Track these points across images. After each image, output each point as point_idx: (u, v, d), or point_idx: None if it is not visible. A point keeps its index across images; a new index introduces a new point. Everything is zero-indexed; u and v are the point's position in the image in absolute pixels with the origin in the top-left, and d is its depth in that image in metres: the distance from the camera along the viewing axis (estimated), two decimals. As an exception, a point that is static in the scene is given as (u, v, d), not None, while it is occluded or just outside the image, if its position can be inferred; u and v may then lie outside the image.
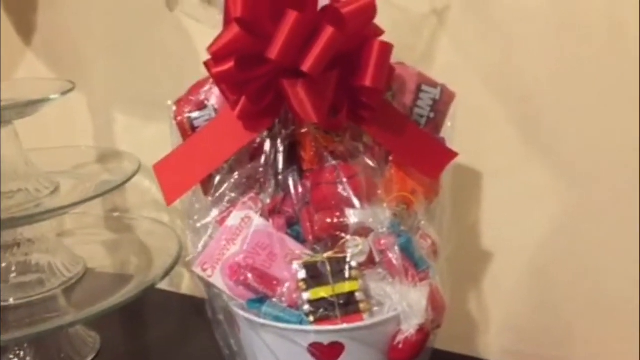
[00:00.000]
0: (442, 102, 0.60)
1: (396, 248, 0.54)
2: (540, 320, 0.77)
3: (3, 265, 0.75)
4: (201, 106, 0.56)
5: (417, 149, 0.56)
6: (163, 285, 0.89)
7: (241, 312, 0.54)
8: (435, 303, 0.54)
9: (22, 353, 0.74)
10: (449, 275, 0.60)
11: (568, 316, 0.75)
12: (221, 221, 0.55)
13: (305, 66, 0.46)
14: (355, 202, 0.53)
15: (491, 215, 0.75)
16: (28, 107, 0.70)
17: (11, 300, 0.73)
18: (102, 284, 0.79)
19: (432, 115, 0.59)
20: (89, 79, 0.95)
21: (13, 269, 0.76)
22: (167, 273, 0.73)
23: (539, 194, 0.72)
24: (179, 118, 0.56)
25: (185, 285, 0.94)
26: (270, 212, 0.54)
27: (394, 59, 0.60)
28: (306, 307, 0.52)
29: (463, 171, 0.73)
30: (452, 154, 0.58)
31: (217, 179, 0.55)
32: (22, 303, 0.73)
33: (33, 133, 0.76)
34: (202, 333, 0.57)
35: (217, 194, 0.56)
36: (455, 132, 0.59)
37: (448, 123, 0.60)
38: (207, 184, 0.56)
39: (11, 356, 0.74)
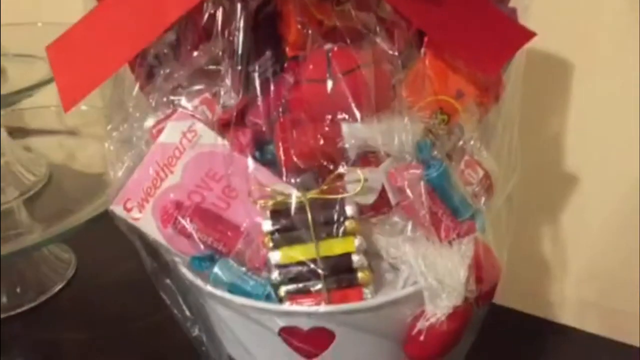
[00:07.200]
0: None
1: (423, 185, 0.34)
2: (635, 268, 0.58)
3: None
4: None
5: (467, 26, 0.35)
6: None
7: (184, 271, 0.36)
8: (481, 271, 0.35)
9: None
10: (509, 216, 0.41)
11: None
12: (157, 134, 0.36)
13: None
14: (355, 110, 0.32)
15: (579, 126, 0.56)
16: None
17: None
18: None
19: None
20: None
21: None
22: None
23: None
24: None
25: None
26: (226, 124, 0.35)
27: None
28: (275, 274, 0.33)
29: (539, 64, 0.52)
30: (527, 34, 0.36)
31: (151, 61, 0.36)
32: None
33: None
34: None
35: (156, 91, 0.37)
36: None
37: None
38: (142, 74, 0.37)
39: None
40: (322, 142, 0.33)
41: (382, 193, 0.35)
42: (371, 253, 0.35)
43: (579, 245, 0.59)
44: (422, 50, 0.37)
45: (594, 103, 0.54)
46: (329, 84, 0.33)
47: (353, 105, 0.33)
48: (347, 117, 0.33)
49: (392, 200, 0.35)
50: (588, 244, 0.59)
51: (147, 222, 0.36)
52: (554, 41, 0.52)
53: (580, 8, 0.51)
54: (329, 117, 0.33)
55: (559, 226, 0.59)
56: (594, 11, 0.51)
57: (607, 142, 0.55)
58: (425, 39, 0.37)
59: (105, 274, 0.67)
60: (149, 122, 0.37)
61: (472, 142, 0.38)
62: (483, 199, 0.38)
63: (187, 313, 0.41)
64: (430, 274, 0.33)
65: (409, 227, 0.35)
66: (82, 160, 0.74)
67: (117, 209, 0.36)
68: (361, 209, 0.34)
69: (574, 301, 0.61)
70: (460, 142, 0.38)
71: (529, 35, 0.37)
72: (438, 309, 0.33)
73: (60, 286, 0.64)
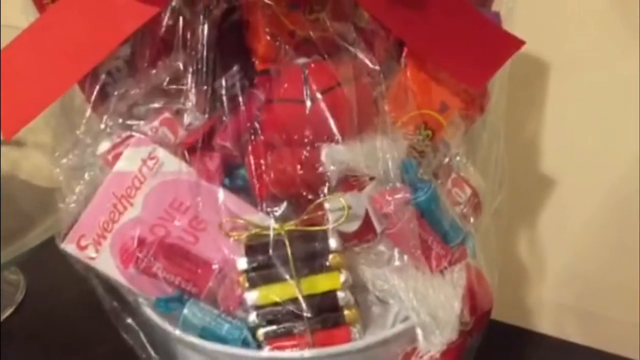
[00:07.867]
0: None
1: (411, 210, 0.31)
2: (614, 272, 0.57)
3: None
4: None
5: (451, 35, 0.32)
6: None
7: (149, 312, 0.33)
8: (475, 300, 0.32)
9: None
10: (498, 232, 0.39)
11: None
12: (113, 160, 0.32)
13: None
14: (336, 132, 0.29)
15: (556, 130, 0.54)
16: None
17: None
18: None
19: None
20: None
21: None
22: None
23: (633, 97, 0.50)
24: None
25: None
26: (191, 148, 0.32)
27: None
28: (253, 316, 0.30)
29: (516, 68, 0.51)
30: (515, 43, 0.33)
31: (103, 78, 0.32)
32: None
33: None
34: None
35: (111, 113, 0.33)
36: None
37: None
38: (94, 94, 0.33)
39: None
40: (300, 169, 0.30)
41: (366, 218, 0.32)
42: (356, 286, 0.32)
43: (556, 250, 0.58)
44: (403, 60, 0.34)
45: (570, 107, 0.52)
46: (307, 104, 0.29)
47: (334, 126, 0.30)
48: (327, 140, 0.30)
49: (378, 227, 0.32)
50: (565, 248, 0.58)
51: (104, 262, 0.32)
52: (537, 45, 0.50)
53: (559, 11, 0.49)
54: (307, 140, 0.30)
55: (536, 230, 0.58)
56: (573, 14, 0.49)
57: (584, 147, 0.53)
58: (405, 49, 0.34)
59: (58, 297, 0.63)
60: (104, 146, 0.33)
61: (458, 159, 0.35)
62: (472, 219, 0.35)
63: (153, 354, 0.37)
64: (422, 309, 0.30)
65: (396, 256, 0.32)
66: (27, 170, 0.69)
67: (70, 248, 0.32)
68: (343, 237, 0.31)
69: (551, 305, 0.59)
70: (446, 159, 0.35)
71: (517, 44, 0.34)
72: (432, 346, 0.31)
73: (9, 312, 0.60)
